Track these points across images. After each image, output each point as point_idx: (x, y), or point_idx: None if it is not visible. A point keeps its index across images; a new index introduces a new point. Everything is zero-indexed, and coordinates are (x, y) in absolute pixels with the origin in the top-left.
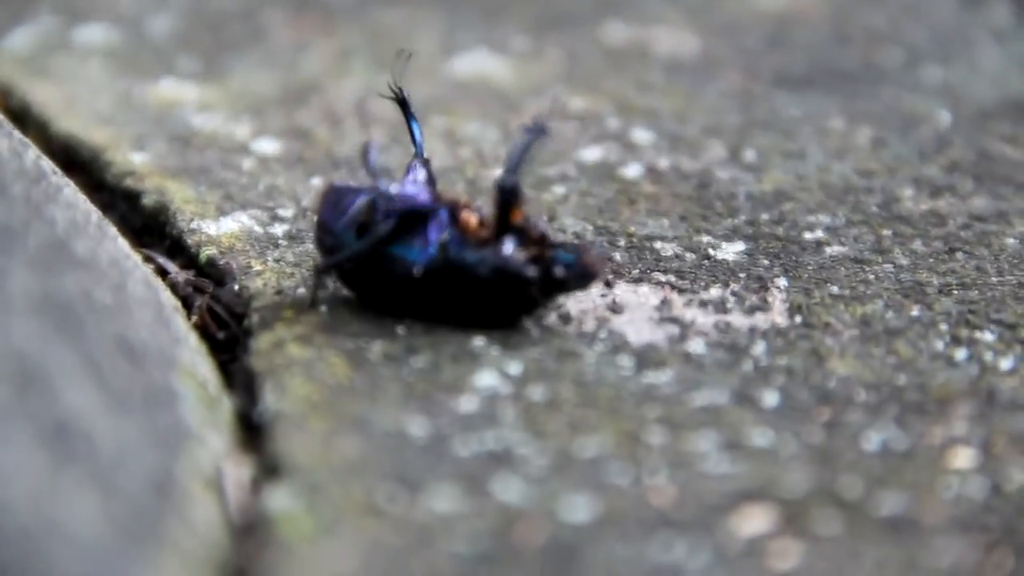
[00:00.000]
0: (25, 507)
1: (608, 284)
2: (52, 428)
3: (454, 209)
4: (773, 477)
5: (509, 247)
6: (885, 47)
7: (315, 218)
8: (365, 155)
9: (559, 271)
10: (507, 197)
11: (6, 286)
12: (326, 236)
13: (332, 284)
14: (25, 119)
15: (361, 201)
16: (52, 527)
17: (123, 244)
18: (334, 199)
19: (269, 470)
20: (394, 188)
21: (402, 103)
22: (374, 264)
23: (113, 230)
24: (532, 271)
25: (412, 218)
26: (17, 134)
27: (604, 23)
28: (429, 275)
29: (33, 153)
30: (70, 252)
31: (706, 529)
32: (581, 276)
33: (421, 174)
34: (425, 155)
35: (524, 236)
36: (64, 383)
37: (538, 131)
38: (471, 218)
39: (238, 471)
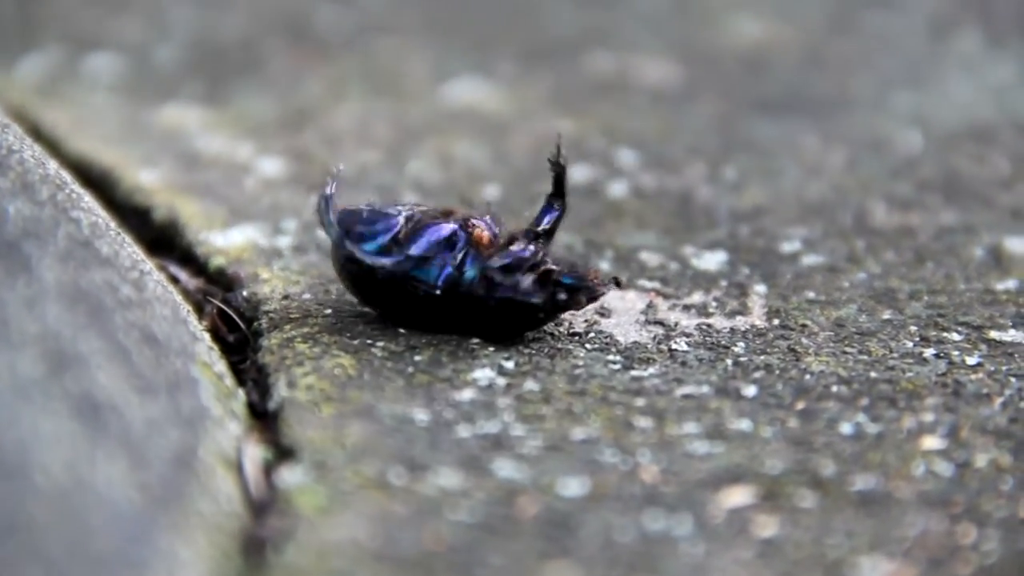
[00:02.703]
0: (62, 470)
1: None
2: (86, 403)
3: (466, 226)
4: (752, 457)
5: (517, 275)
6: (858, 75)
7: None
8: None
9: (562, 296)
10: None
11: (41, 275)
12: (349, 263)
13: (337, 291)
14: (37, 140)
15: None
16: (87, 489)
17: (139, 250)
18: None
19: (284, 452)
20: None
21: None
22: (396, 285)
23: (128, 238)
24: (538, 298)
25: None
26: (38, 147)
27: (589, 53)
28: (444, 298)
29: (54, 164)
30: (95, 250)
31: (691, 503)
32: (585, 297)
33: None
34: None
35: (534, 263)
36: (96, 364)
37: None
38: (484, 234)
39: (255, 451)
